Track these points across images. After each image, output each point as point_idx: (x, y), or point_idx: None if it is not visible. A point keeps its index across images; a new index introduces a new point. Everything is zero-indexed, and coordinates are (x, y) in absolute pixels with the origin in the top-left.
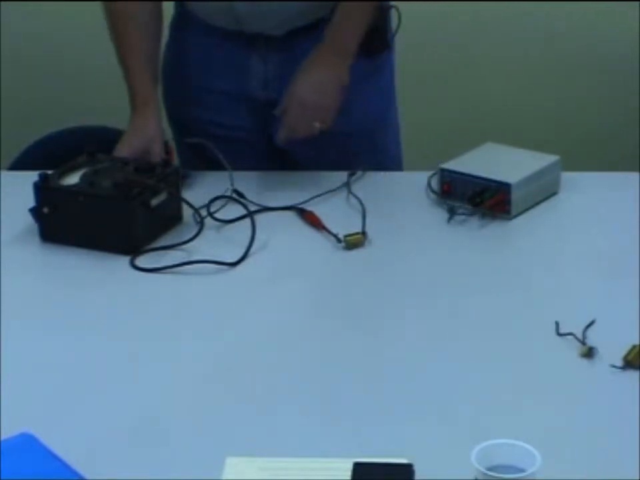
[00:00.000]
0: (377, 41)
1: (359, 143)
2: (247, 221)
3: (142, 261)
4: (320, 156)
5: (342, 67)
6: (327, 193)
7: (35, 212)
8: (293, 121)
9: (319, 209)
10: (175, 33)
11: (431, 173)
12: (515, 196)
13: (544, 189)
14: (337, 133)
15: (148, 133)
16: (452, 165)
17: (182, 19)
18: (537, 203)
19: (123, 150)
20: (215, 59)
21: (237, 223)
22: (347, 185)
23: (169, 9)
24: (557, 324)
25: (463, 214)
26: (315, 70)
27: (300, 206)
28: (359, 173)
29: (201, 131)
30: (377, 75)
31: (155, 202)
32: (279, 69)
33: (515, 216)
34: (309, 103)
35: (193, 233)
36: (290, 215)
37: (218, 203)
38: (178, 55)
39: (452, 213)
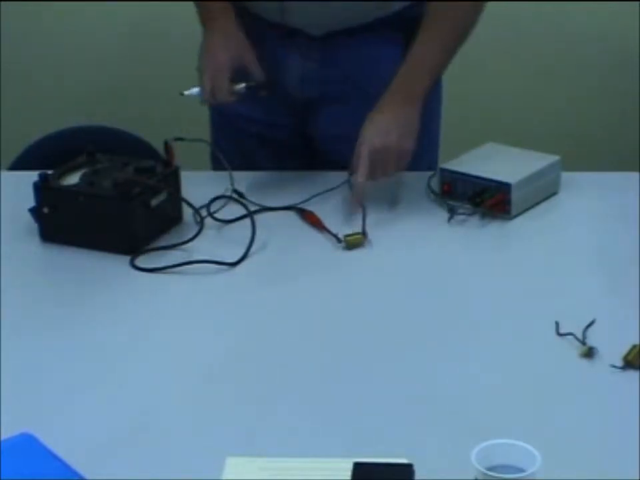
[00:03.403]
0: None
1: None
2: (247, 220)
3: (142, 260)
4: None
5: (411, 112)
6: (326, 191)
7: (35, 212)
8: (365, 170)
9: (319, 208)
10: None
11: (431, 173)
12: (515, 196)
13: (544, 189)
14: None
15: (240, 36)
16: (452, 164)
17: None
18: (537, 203)
19: (220, 55)
20: (257, 54)
21: (237, 223)
22: (347, 184)
23: None
24: (557, 324)
25: (463, 214)
26: (382, 117)
27: (300, 206)
28: None
29: (239, 127)
30: None
31: (154, 202)
32: (317, 71)
33: (515, 216)
34: (380, 149)
35: (193, 232)
36: (290, 214)
37: (218, 203)
38: None
39: (452, 212)
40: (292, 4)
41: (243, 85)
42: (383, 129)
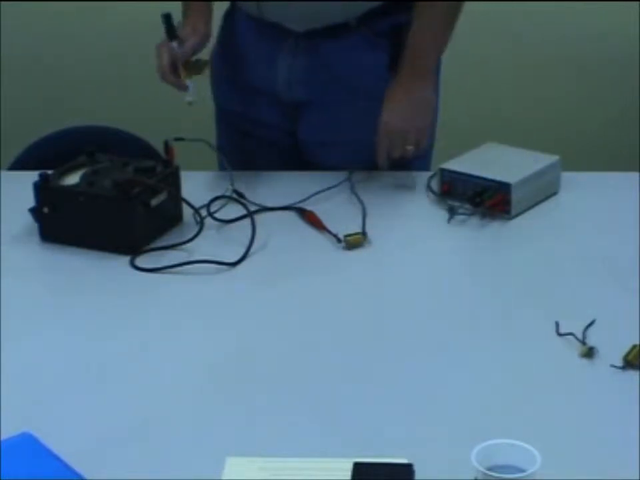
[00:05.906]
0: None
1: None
2: (247, 220)
3: (142, 260)
4: (342, 162)
5: (424, 88)
6: (326, 190)
7: (35, 212)
8: (384, 150)
9: (319, 208)
10: (225, 21)
11: (431, 173)
12: (515, 196)
13: (544, 189)
14: (361, 142)
15: (199, 32)
16: (452, 164)
17: (232, 8)
18: (537, 203)
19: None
20: (250, 53)
21: (237, 223)
22: (348, 184)
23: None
24: (557, 324)
25: (463, 214)
26: (397, 97)
27: (300, 206)
28: (359, 172)
29: (236, 124)
30: None
31: (154, 202)
32: (303, 72)
33: (515, 216)
34: (397, 130)
35: (193, 233)
36: (290, 214)
37: (218, 203)
38: (225, 44)
39: (452, 212)
40: None
41: (174, 43)
42: (399, 109)
